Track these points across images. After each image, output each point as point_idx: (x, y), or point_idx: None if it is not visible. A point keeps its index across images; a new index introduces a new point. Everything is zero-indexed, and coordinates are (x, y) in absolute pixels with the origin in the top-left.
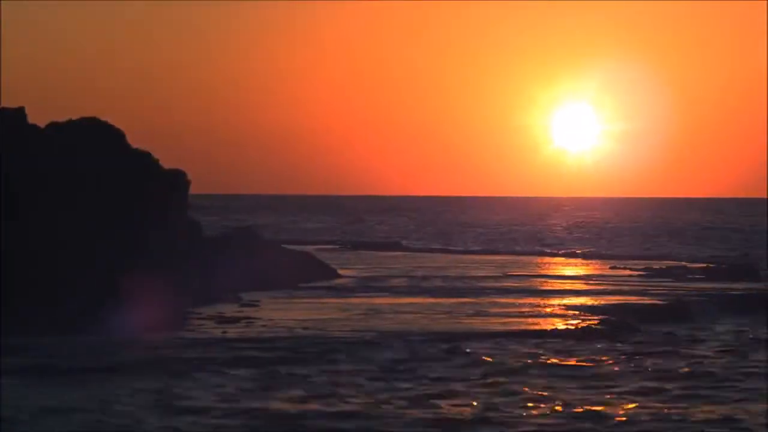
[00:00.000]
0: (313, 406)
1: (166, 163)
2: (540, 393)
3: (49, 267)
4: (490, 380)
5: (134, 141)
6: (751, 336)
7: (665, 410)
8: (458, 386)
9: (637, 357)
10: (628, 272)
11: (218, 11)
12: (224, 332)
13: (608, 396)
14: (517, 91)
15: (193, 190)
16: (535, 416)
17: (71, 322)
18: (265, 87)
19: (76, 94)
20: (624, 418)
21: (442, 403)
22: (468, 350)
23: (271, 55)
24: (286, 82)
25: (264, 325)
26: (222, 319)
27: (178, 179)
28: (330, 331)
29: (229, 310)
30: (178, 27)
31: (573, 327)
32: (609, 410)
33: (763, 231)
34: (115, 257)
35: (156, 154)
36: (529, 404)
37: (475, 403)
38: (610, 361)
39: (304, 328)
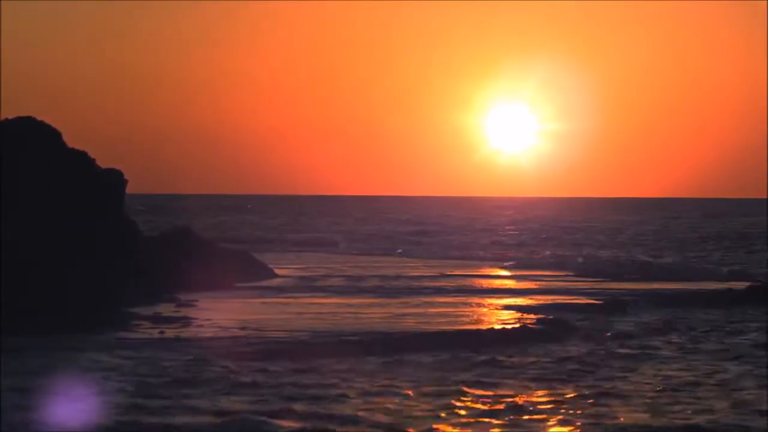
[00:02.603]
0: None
1: (108, 164)
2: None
3: None
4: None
5: (75, 141)
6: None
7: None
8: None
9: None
10: (563, 272)
11: (161, 11)
12: (161, 332)
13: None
14: (453, 91)
15: (134, 190)
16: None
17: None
18: (208, 87)
19: (12, 94)
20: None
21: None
22: (402, 352)
23: (214, 55)
24: (228, 82)
25: (201, 325)
26: (159, 319)
27: (114, 179)
28: (267, 331)
29: (166, 310)
30: (119, 26)
31: (510, 327)
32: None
33: (703, 231)
34: (49, 257)
35: (96, 155)
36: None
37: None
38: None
39: (242, 328)
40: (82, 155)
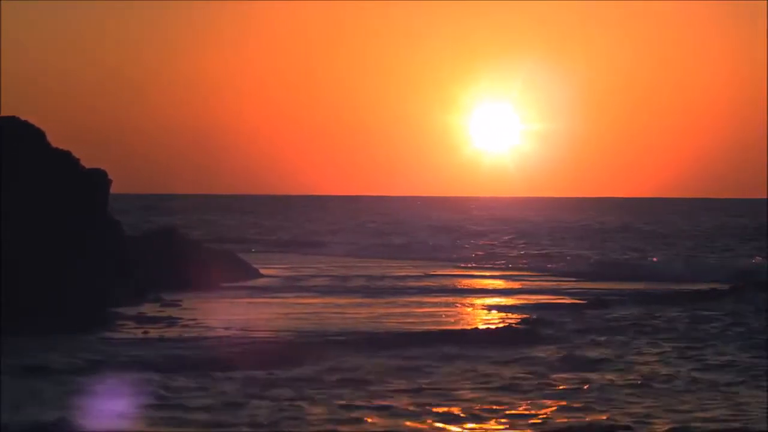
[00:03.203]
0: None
1: (94, 164)
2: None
3: None
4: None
5: (61, 141)
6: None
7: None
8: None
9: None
10: (545, 272)
11: (142, 11)
12: (145, 332)
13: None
14: (437, 91)
15: (120, 190)
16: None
17: None
18: (191, 86)
19: None
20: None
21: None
22: (389, 352)
23: (199, 55)
24: (212, 82)
25: (185, 326)
26: (143, 319)
27: (99, 179)
28: (252, 332)
29: (151, 310)
30: (101, 26)
31: (494, 327)
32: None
33: (677, 231)
34: (33, 258)
35: (82, 154)
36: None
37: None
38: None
39: (226, 328)
40: (67, 155)
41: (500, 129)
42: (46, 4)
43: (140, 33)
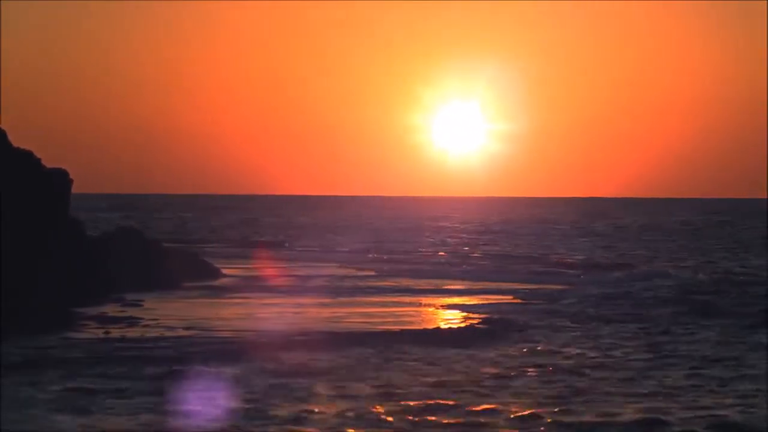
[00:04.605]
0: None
1: (57, 163)
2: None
3: None
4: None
5: (23, 141)
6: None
7: None
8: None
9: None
10: (509, 273)
11: (114, 11)
12: (107, 332)
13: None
14: (402, 91)
15: (83, 189)
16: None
17: None
18: (160, 87)
19: None
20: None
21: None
22: (351, 351)
23: (163, 56)
24: (178, 83)
25: (146, 325)
26: (105, 319)
27: (60, 179)
28: (212, 331)
29: (112, 309)
30: (75, 26)
31: (455, 327)
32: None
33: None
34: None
35: (45, 154)
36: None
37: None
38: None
39: (187, 328)
40: (28, 155)
41: (466, 129)
42: (17, 3)
43: (108, 34)
